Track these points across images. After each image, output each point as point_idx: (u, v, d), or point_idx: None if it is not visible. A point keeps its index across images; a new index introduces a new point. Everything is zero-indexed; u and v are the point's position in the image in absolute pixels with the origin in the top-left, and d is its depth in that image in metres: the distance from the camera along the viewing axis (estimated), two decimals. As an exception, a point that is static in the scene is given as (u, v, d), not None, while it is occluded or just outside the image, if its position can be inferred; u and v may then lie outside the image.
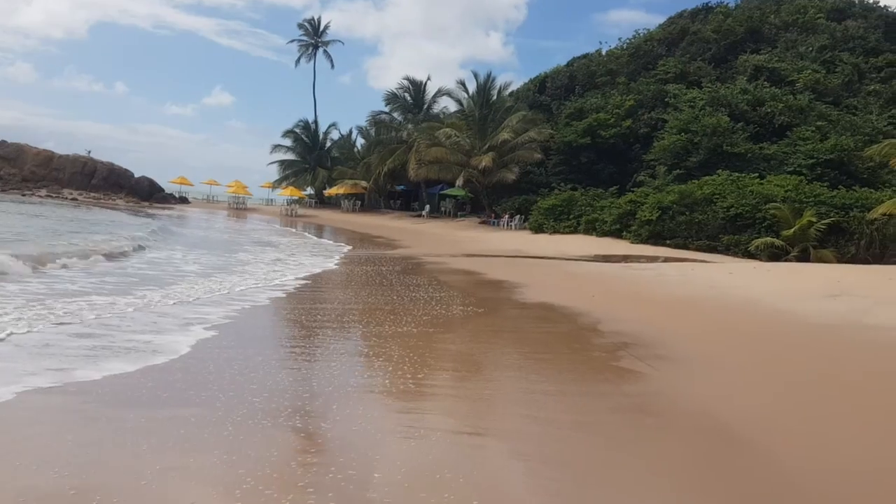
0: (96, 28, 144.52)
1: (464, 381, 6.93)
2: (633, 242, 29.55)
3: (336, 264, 19.42)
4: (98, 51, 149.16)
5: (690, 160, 33.50)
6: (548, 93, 53.93)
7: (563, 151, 43.00)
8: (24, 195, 56.34)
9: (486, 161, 43.35)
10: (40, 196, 57.46)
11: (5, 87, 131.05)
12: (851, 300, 12.24)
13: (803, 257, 24.14)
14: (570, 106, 46.78)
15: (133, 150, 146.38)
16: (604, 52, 58.36)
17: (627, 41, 57.63)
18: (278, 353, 8.08)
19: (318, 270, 17.28)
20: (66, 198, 58.64)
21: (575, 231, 34.60)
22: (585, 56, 59.26)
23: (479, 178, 45.00)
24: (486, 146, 44.92)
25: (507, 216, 42.71)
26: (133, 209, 52.87)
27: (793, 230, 24.82)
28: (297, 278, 15.17)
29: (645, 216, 29.55)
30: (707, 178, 30.35)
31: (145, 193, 65.78)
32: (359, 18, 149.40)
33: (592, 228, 33.42)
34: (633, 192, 33.39)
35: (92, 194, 61.95)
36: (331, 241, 31.88)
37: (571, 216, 35.63)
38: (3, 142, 63.55)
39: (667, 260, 22.95)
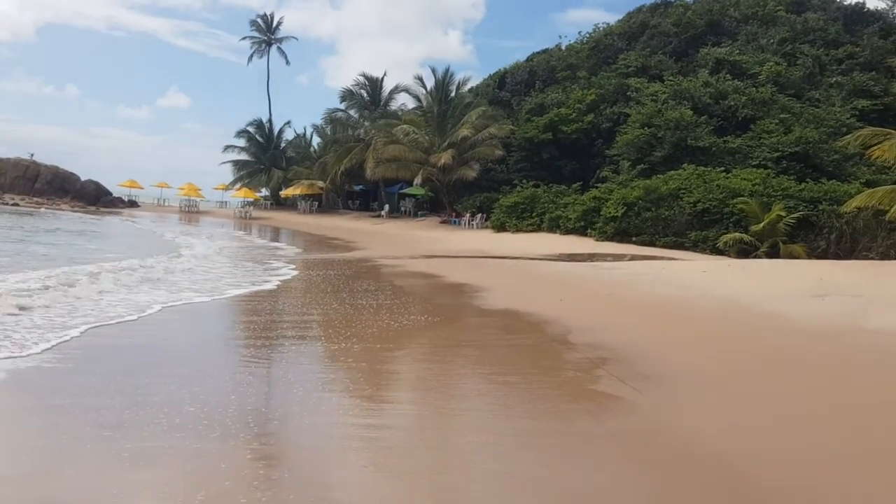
0: (45, 29, 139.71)
1: (411, 419, 5.58)
2: (598, 240, 28.55)
3: (282, 271, 17.82)
4: (48, 53, 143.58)
5: (654, 154, 32.63)
6: (507, 88, 52.76)
7: (524, 148, 41.89)
8: (-39, 201, 53.40)
9: (445, 158, 41.99)
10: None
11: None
12: (842, 301, 11.23)
13: (773, 252, 23.36)
14: (530, 101, 45.62)
15: (87, 154, 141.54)
16: (563, 47, 57.41)
17: (587, 35, 56.79)
18: (153, 382, 6.07)
19: (259, 279, 15.72)
20: (7, 203, 55.72)
21: (538, 229, 33.54)
22: (545, 51, 58.10)
23: (439, 177, 43.61)
24: (446, 143, 43.54)
25: (468, 215, 41.46)
26: (78, 213, 50.31)
27: (762, 225, 24.06)
28: (228, 289, 13.64)
29: (610, 213, 28.58)
30: (672, 172, 29.50)
31: (91, 198, 63.02)
32: (316, 18, 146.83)
33: (556, 226, 32.38)
34: (596, 188, 32.44)
35: (35, 199, 59.00)
36: (284, 245, 30.19)
37: (534, 214, 34.57)
38: (-62, 146, 60.57)
39: (634, 258, 21.96)
